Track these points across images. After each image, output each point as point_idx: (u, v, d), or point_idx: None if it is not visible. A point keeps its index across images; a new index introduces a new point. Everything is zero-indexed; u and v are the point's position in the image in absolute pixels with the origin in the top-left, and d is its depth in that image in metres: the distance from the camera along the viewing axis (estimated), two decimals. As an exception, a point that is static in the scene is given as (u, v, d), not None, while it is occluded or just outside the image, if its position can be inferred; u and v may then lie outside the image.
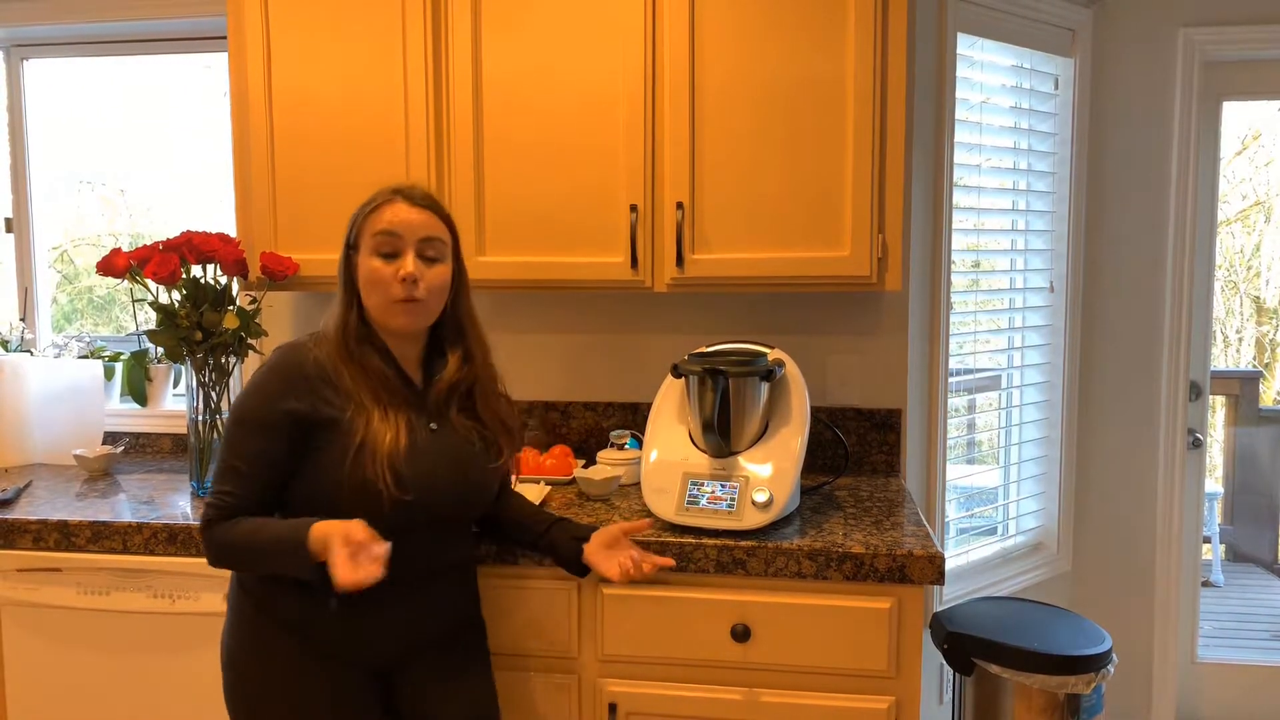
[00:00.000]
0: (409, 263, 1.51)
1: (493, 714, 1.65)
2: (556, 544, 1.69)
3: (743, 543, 1.73)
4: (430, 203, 1.56)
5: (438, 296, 1.56)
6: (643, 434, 2.15)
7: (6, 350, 2.64)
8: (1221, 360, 5.31)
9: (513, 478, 1.83)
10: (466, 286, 1.64)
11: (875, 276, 1.98)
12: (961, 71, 2.45)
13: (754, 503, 1.77)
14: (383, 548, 1.35)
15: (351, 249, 1.56)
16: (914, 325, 2.39)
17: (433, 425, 1.57)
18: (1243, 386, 4.32)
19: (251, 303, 2.24)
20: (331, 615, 1.51)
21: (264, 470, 1.48)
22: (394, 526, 1.47)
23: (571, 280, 2.07)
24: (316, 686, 1.52)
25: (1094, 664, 1.96)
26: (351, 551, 1.34)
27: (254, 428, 1.48)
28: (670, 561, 1.67)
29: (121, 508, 2.03)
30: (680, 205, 2.01)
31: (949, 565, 2.55)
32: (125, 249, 2.12)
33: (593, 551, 1.65)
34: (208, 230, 2.14)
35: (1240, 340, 5.47)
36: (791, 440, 1.86)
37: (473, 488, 1.60)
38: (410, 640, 1.59)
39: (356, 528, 1.36)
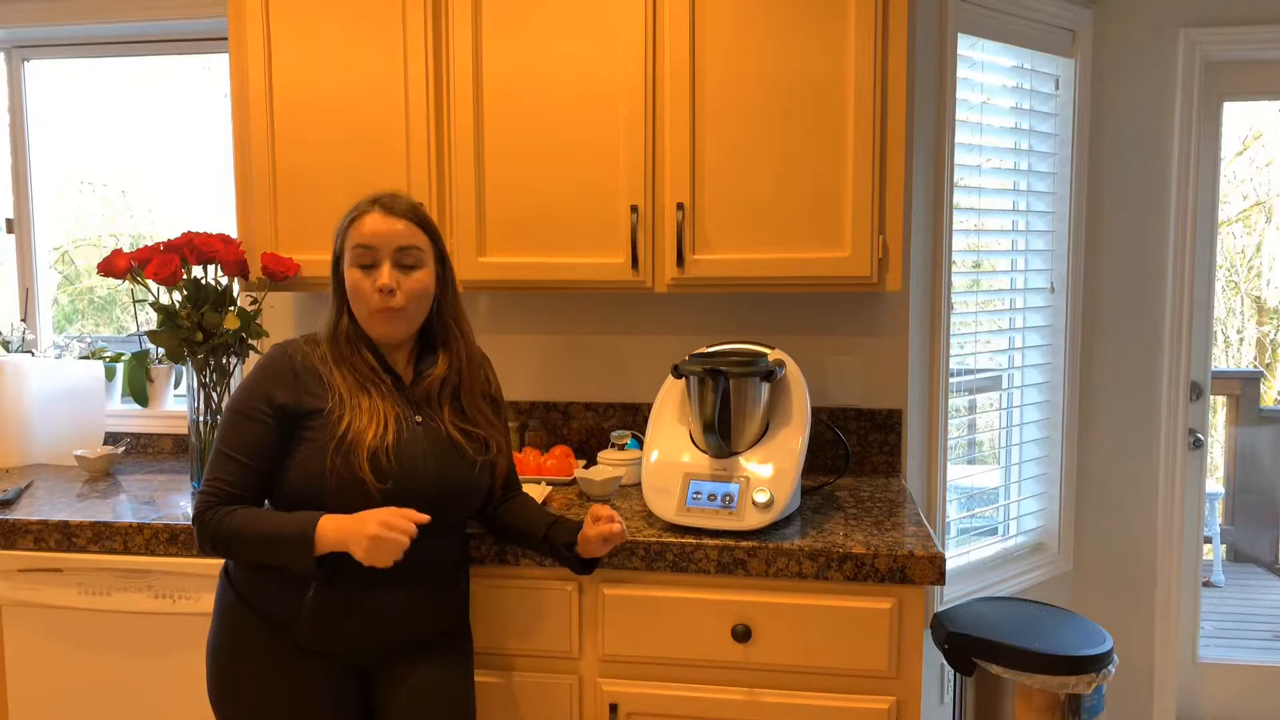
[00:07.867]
0: (384, 274, 1.54)
1: (465, 716, 1.65)
2: (555, 552, 1.68)
3: (743, 543, 1.73)
4: (408, 211, 1.58)
5: (418, 302, 1.59)
6: (643, 434, 2.15)
7: (8, 351, 2.64)
8: (1222, 360, 5.32)
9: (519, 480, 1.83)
10: (453, 290, 1.67)
11: (876, 277, 1.98)
12: (962, 72, 2.45)
13: (755, 503, 1.77)
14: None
15: (338, 259, 1.61)
16: (914, 325, 2.39)
17: (418, 419, 1.60)
18: (1243, 386, 4.33)
19: (252, 303, 2.24)
20: (309, 609, 1.53)
21: (254, 459, 1.53)
22: None
23: (572, 281, 2.07)
24: (295, 682, 1.54)
25: (1095, 664, 1.96)
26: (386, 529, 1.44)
27: (243, 419, 1.54)
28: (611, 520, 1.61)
29: (122, 508, 2.03)
30: (680, 205, 2.01)
31: (950, 565, 2.54)
32: (126, 250, 2.12)
33: (586, 552, 1.64)
34: (208, 231, 2.15)
35: (1241, 340, 5.47)
36: (792, 441, 1.87)
37: (455, 481, 1.61)
38: (389, 638, 1.59)
39: (391, 513, 1.46)
